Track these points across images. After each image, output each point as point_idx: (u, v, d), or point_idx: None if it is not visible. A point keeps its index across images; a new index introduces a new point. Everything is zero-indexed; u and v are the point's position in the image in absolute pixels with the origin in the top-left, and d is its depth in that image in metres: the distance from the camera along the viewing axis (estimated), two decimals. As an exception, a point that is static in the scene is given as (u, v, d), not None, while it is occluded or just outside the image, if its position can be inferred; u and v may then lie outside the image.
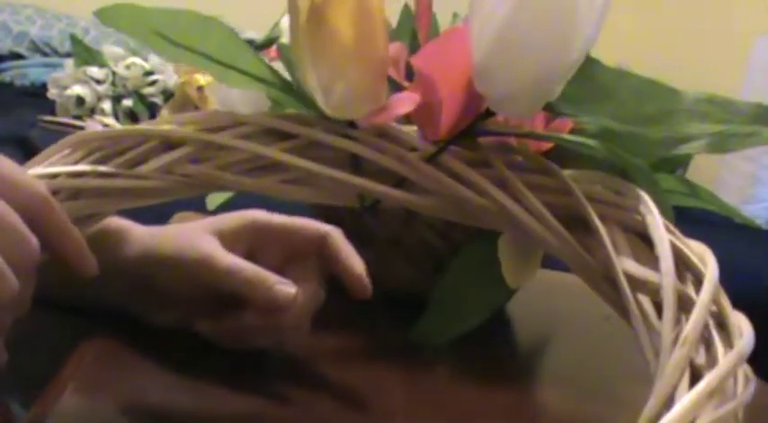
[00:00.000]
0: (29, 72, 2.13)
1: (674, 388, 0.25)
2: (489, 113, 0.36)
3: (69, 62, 1.67)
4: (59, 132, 1.47)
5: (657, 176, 0.53)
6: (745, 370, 0.28)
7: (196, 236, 0.45)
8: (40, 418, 0.37)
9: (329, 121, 0.36)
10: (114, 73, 1.57)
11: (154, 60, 1.64)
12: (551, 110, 0.35)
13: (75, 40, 1.74)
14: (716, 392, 0.26)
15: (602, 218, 0.33)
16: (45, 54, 2.29)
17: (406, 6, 0.58)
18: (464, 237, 0.53)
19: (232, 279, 0.43)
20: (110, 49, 1.65)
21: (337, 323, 0.51)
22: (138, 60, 1.62)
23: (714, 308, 0.29)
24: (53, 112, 1.59)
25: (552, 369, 0.55)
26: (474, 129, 0.37)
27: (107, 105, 1.55)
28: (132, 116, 1.53)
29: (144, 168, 0.35)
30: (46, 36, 2.33)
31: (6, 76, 2.14)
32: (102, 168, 0.35)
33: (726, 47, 2.55)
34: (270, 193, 0.37)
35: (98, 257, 0.36)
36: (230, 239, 0.45)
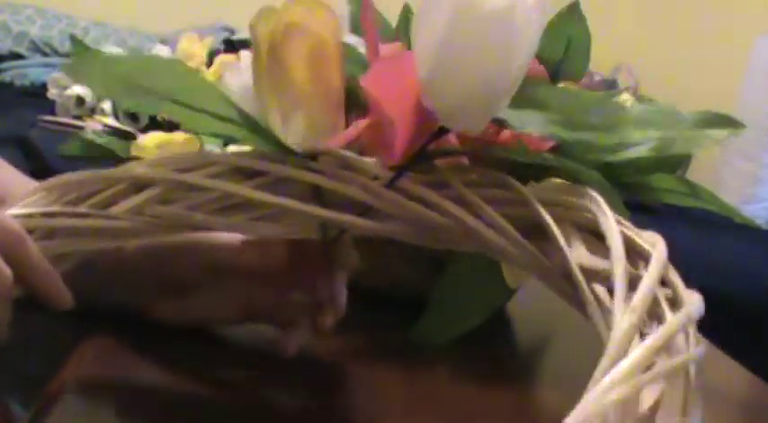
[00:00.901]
0: (29, 72, 2.14)
1: (625, 351, 0.25)
2: (442, 131, 0.37)
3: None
4: (59, 132, 1.47)
5: (657, 176, 0.54)
6: (695, 334, 0.29)
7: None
8: (41, 418, 0.37)
9: (293, 156, 0.38)
10: (114, 73, 1.57)
11: (154, 60, 1.63)
12: (500, 123, 0.36)
13: (75, 40, 1.73)
14: (663, 349, 0.26)
15: (558, 221, 0.35)
16: (45, 54, 2.29)
17: (407, 6, 0.58)
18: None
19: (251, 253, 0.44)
20: (110, 49, 1.65)
21: (337, 323, 0.51)
22: (138, 60, 1.62)
23: (669, 291, 0.30)
24: (53, 112, 1.59)
25: (552, 369, 0.55)
26: (429, 151, 0.38)
27: (107, 105, 1.54)
28: (132, 116, 1.53)
29: (115, 209, 0.37)
30: (46, 36, 2.33)
31: (6, 76, 2.14)
32: (74, 209, 0.37)
33: (726, 47, 2.55)
34: (239, 231, 0.39)
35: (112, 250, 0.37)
36: None
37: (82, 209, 0.37)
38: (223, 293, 0.45)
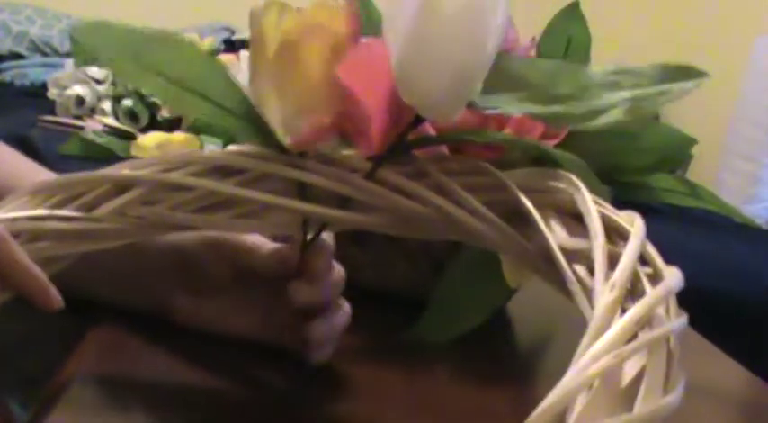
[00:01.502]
0: (29, 72, 2.14)
1: (607, 325, 0.26)
2: (419, 120, 0.37)
3: (69, 62, 1.67)
4: (59, 132, 1.47)
5: (657, 177, 0.54)
6: (676, 308, 0.29)
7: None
8: (42, 415, 0.37)
9: (276, 152, 0.38)
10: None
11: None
12: (474, 107, 0.36)
13: (75, 40, 1.74)
14: (644, 322, 0.27)
15: (537, 205, 0.35)
16: (45, 54, 2.29)
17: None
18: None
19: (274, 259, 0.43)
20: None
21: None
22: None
23: (649, 269, 0.31)
24: (53, 112, 1.59)
25: (552, 369, 0.55)
26: (407, 141, 0.38)
27: (107, 105, 1.55)
28: (132, 116, 1.53)
29: (98, 212, 0.37)
30: (46, 36, 2.33)
31: (6, 76, 2.14)
32: (58, 212, 0.37)
33: (726, 47, 2.55)
34: (222, 229, 0.39)
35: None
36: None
37: (66, 212, 0.37)
38: (240, 300, 0.45)
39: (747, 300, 1.58)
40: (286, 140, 0.36)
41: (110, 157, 1.29)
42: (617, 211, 0.34)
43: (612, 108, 0.35)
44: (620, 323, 0.25)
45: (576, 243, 0.33)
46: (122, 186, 0.38)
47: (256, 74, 0.36)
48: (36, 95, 1.86)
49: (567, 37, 0.55)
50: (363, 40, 0.36)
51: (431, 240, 0.39)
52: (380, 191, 0.37)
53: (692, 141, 0.53)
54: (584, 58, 0.56)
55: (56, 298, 0.36)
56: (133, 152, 1.33)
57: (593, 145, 0.48)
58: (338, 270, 0.44)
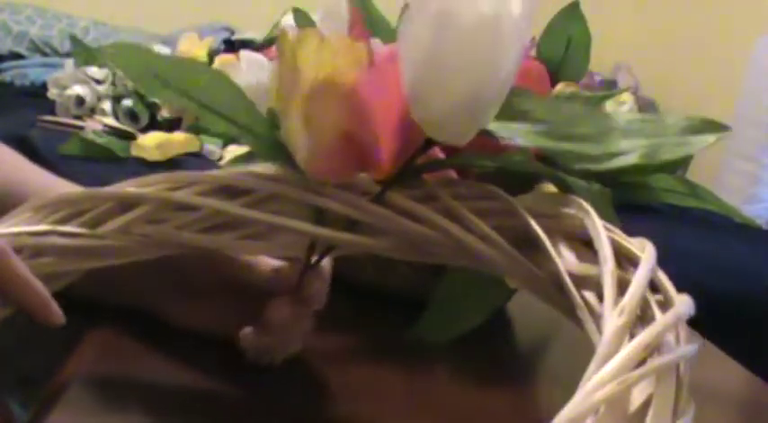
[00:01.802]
0: (29, 72, 2.14)
1: (614, 352, 0.25)
2: (429, 143, 0.37)
3: (69, 62, 1.66)
4: (59, 132, 1.47)
5: (657, 177, 0.54)
6: (687, 332, 0.28)
7: None
8: (42, 415, 0.37)
9: (284, 174, 0.37)
10: (114, 73, 1.57)
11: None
12: (488, 135, 0.36)
13: (75, 40, 1.73)
14: (653, 348, 0.26)
15: (547, 231, 0.35)
16: (45, 54, 2.29)
17: (407, 6, 0.57)
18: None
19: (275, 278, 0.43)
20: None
21: (337, 323, 0.51)
22: (138, 60, 1.61)
23: (659, 296, 0.30)
24: (53, 112, 1.59)
25: (552, 369, 0.55)
26: (417, 165, 0.38)
27: (107, 105, 1.55)
28: (132, 116, 1.53)
29: (102, 229, 0.37)
30: (46, 36, 2.33)
31: (6, 76, 2.14)
32: (61, 228, 0.36)
33: (726, 47, 2.55)
34: (229, 250, 0.39)
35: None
36: None
37: (70, 228, 0.37)
38: (231, 308, 0.45)
39: (747, 300, 1.58)
40: (308, 170, 0.36)
41: (110, 157, 1.30)
42: (628, 238, 0.34)
43: (629, 153, 0.36)
44: (628, 349, 0.25)
45: (585, 269, 0.33)
46: (128, 204, 0.37)
47: (287, 104, 0.35)
48: (36, 95, 1.86)
49: (567, 37, 0.55)
50: (384, 47, 0.36)
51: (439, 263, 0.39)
52: (390, 215, 0.37)
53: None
54: (584, 58, 0.56)
55: (57, 313, 0.36)
56: (133, 152, 1.33)
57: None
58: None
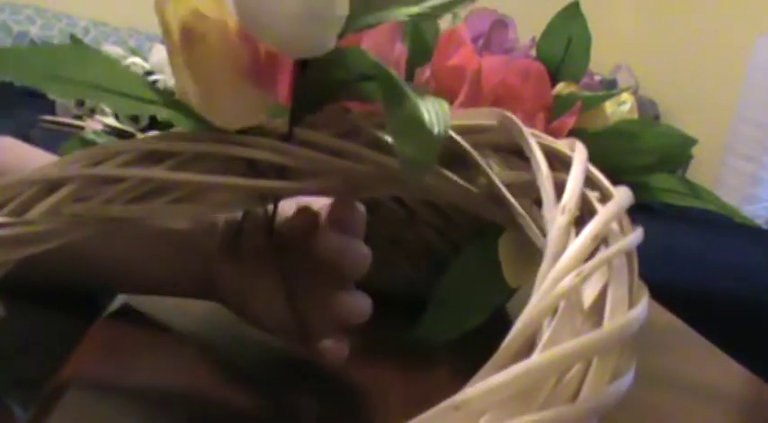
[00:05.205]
0: (29, 72, 2.13)
1: (563, 248, 0.25)
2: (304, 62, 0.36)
3: (69, 62, 1.66)
4: (59, 132, 1.47)
5: (657, 176, 0.54)
6: (629, 224, 0.29)
7: None
8: (42, 415, 0.37)
9: (203, 132, 0.37)
10: (114, 73, 1.57)
11: (154, 60, 1.63)
12: (348, 31, 0.35)
13: (75, 39, 1.73)
14: (600, 238, 0.26)
15: (475, 146, 0.35)
16: (45, 54, 2.29)
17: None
18: (464, 237, 0.53)
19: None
20: (110, 49, 1.65)
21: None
22: (138, 60, 1.61)
23: (596, 192, 0.30)
24: (53, 112, 1.59)
25: (552, 369, 0.55)
26: (338, 103, 0.37)
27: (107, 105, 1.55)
28: (132, 116, 1.53)
29: (30, 214, 0.36)
30: (46, 36, 2.33)
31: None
32: None
33: (726, 47, 2.55)
34: (160, 216, 0.38)
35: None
36: None
37: None
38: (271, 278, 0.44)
39: (747, 300, 1.58)
40: (217, 124, 0.36)
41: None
42: (555, 140, 0.34)
43: None
44: (578, 242, 0.25)
45: (519, 176, 0.33)
46: (53, 185, 0.36)
47: (172, 63, 0.36)
48: (36, 95, 1.86)
49: (567, 37, 0.55)
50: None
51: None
52: (315, 155, 0.36)
53: (692, 141, 0.53)
54: (584, 58, 0.56)
55: None
56: (133, 152, 1.34)
57: (594, 145, 0.48)
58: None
